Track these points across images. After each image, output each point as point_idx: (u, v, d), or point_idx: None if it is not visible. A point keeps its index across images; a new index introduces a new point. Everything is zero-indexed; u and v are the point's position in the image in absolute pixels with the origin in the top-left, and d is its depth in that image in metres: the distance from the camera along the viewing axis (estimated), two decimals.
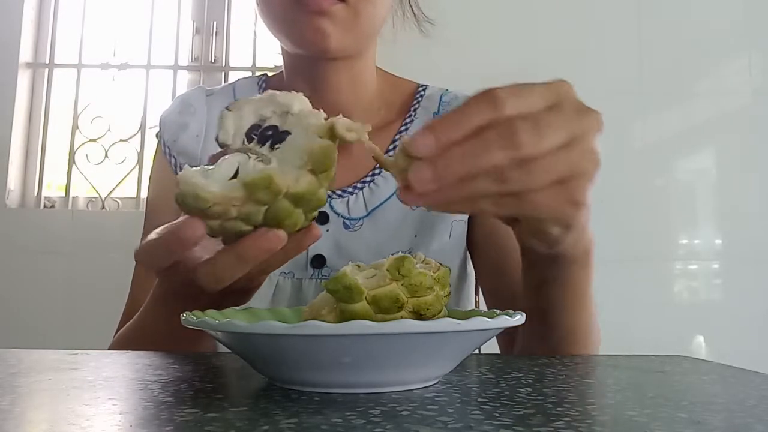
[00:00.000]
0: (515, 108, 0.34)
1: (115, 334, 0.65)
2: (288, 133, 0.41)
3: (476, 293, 0.81)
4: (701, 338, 1.58)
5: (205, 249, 0.43)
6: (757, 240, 1.60)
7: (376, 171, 0.72)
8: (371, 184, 0.71)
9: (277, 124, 0.41)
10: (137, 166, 1.74)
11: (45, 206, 1.72)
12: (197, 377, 0.39)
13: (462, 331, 0.32)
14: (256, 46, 1.77)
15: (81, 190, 1.74)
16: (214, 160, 0.43)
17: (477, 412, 0.29)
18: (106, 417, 0.28)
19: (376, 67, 0.77)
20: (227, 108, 0.42)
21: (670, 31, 1.66)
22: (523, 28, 1.65)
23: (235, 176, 0.39)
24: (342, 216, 0.70)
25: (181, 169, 0.73)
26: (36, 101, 1.75)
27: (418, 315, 0.37)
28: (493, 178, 0.34)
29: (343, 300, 0.36)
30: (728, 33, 1.67)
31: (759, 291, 1.58)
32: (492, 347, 0.61)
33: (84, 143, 1.75)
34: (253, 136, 0.41)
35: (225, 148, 0.42)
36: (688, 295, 1.62)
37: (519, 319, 0.37)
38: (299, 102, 0.42)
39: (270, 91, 0.42)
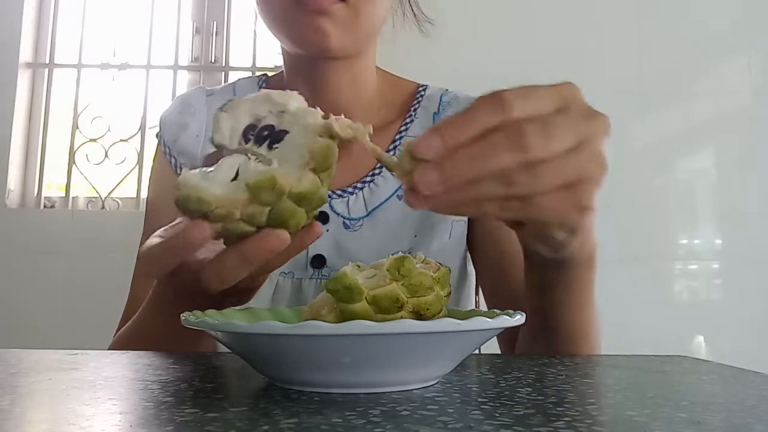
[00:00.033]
0: (522, 110, 0.33)
1: (115, 334, 0.65)
2: (285, 132, 0.40)
3: (476, 293, 0.81)
4: (701, 338, 1.58)
5: (206, 250, 0.43)
6: (757, 240, 1.60)
7: (376, 171, 0.72)
8: (371, 184, 0.71)
9: (274, 124, 0.41)
10: (137, 166, 1.74)
11: (45, 206, 1.72)
12: (197, 377, 0.39)
13: (462, 331, 0.32)
14: (256, 46, 1.77)
15: (81, 190, 1.74)
16: (209, 160, 0.43)
17: (477, 412, 0.29)
18: (106, 417, 0.28)
19: (376, 67, 0.77)
20: (221, 109, 0.42)
21: (670, 31, 1.66)
22: (523, 28, 1.65)
23: (235, 178, 0.39)
24: (342, 216, 0.70)
25: (181, 169, 0.73)
26: (36, 101, 1.75)
27: (418, 315, 0.37)
28: (500, 181, 0.33)
29: (343, 300, 0.36)
30: (728, 33, 1.67)
31: (759, 291, 1.58)
32: (492, 347, 0.61)
33: (84, 143, 1.75)
34: (250, 137, 0.41)
35: (220, 149, 0.42)
36: (688, 295, 1.62)
37: (519, 319, 0.37)
38: (295, 100, 0.42)
39: (264, 90, 0.42)
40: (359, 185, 0.71)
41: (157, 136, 0.78)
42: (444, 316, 0.37)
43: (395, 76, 0.80)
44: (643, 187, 1.60)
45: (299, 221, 0.40)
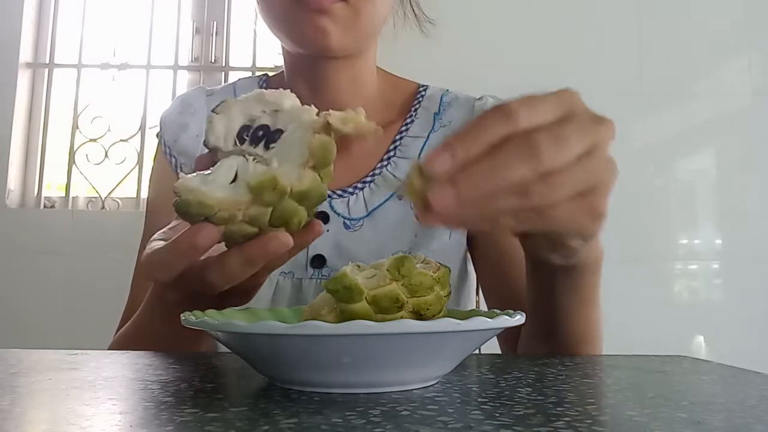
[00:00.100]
0: (528, 120, 0.33)
1: (115, 334, 0.65)
2: (281, 131, 0.40)
3: (476, 293, 0.81)
4: (701, 338, 1.58)
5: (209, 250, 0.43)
6: (757, 240, 1.60)
7: (377, 171, 0.72)
8: (371, 184, 0.71)
9: (268, 123, 0.41)
10: (137, 166, 1.74)
11: (45, 206, 1.72)
12: (197, 377, 0.39)
13: (462, 331, 0.32)
14: (256, 46, 1.77)
15: (81, 190, 1.74)
16: (202, 161, 0.43)
17: (477, 412, 0.29)
18: (106, 417, 0.28)
19: (377, 67, 0.77)
20: (214, 110, 0.42)
21: (670, 32, 1.66)
22: (524, 28, 1.65)
23: (234, 179, 0.39)
24: (342, 216, 0.70)
25: (181, 169, 0.73)
26: (36, 101, 1.75)
27: (418, 315, 0.37)
28: (516, 193, 0.33)
29: (343, 300, 0.36)
30: (728, 33, 1.67)
31: (759, 291, 1.58)
32: (492, 347, 0.61)
33: (84, 143, 1.75)
34: (245, 137, 0.41)
35: (215, 151, 0.42)
36: (688, 295, 1.62)
37: (519, 319, 0.37)
38: (289, 99, 0.42)
39: (257, 90, 0.42)
40: (359, 185, 0.71)
41: (157, 136, 0.78)
42: (444, 316, 0.37)
43: (396, 76, 0.80)
44: (643, 187, 1.60)
45: (301, 219, 0.40)
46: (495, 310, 0.41)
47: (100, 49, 1.79)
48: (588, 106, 0.36)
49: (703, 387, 0.39)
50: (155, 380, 0.37)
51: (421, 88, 0.79)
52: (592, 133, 0.35)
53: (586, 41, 1.64)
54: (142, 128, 1.75)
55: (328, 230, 0.69)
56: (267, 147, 0.40)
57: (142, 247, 0.72)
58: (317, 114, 0.40)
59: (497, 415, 0.28)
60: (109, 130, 1.75)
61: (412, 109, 0.77)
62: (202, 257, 0.42)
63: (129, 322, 0.59)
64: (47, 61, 1.76)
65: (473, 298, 0.79)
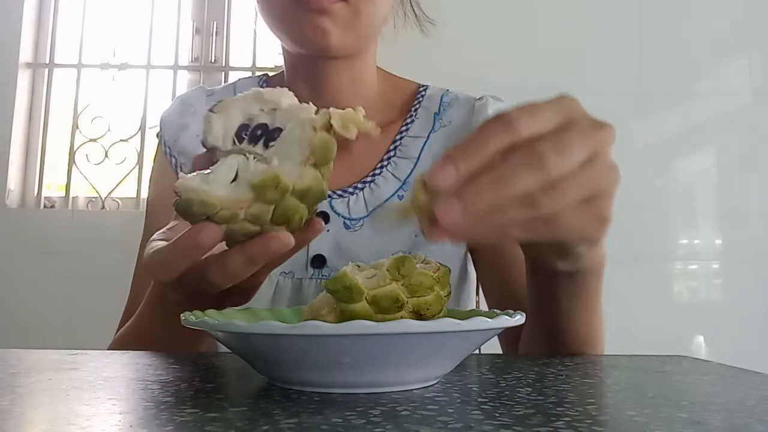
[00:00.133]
0: (529, 128, 0.33)
1: (116, 334, 0.65)
2: (280, 129, 0.40)
3: (476, 293, 0.81)
4: (701, 338, 1.58)
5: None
6: (757, 240, 1.60)
7: (377, 171, 0.72)
8: (372, 184, 0.71)
9: (267, 122, 0.41)
10: (137, 166, 1.74)
11: (45, 206, 1.72)
12: (197, 377, 0.39)
13: (462, 331, 0.32)
14: (256, 46, 1.77)
15: (81, 190, 1.74)
16: (200, 161, 0.43)
17: (477, 412, 0.29)
18: (106, 417, 0.28)
19: (377, 67, 0.77)
20: (211, 110, 0.42)
21: (670, 31, 1.66)
22: (524, 28, 1.65)
23: (235, 179, 0.39)
24: (342, 216, 0.70)
25: (182, 170, 0.73)
26: (36, 101, 1.75)
27: (418, 315, 0.37)
28: (523, 204, 0.33)
29: (343, 300, 0.36)
30: (728, 33, 1.67)
31: (759, 291, 1.58)
32: (492, 347, 0.61)
33: (84, 143, 1.75)
34: (243, 136, 0.41)
35: (213, 151, 0.42)
36: (688, 295, 1.62)
37: (519, 319, 0.37)
38: (287, 97, 0.42)
39: (254, 89, 0.42)
40: (360, 185, 0.71)
41: (157, 136, 0.78)
42: (444, 316, 0.37)
43: (396, 76, 0.80)
44: (643, 187, 1.60)
45: (302, 217, 0.40)
46: (495, 310, 0.41)
47: (100, 49, 1.79)
48: (587, 111, 0.36)
49: (703, 387, 0.39)
50: (155, 380, 0.37)
51: (422, 88, 0.79)
52: (593, 139, 0.35)
53: (586, 41, 1.64)
54: (142, 128, 1.75)
55: (328, 230, 0.69)
56: (266, 145, 0.40)
57: (142, 247, 0.72)
58: (316, 112, 0.40)
59: (497, 415, 0.28)
60: (109, 130, 1.75)
61: (413, 109, 0.77)
62: (203, 257, 0.42)
63: (129, 322, 0.59)
64: (47, 61, 1.76)
65: (473, 298, 0.79)
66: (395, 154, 0.73)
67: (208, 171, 0.39)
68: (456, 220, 0.32)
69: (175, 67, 1.77)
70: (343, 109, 0.41)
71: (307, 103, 0.41)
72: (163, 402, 0.31)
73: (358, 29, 0.65)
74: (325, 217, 0.70)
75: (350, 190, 0.71)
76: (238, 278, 0.41)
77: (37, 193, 1.72)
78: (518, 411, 0.29)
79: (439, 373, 0.36)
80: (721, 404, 0.32)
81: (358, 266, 0.39)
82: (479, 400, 0.32)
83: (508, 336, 0.69)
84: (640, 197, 1.59)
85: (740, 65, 1.66)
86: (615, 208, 0.37)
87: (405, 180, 0.72)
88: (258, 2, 0.68)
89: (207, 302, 0.44)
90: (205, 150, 0.42)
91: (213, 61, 1.77)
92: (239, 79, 0.83)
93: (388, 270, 0.37)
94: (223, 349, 0.52)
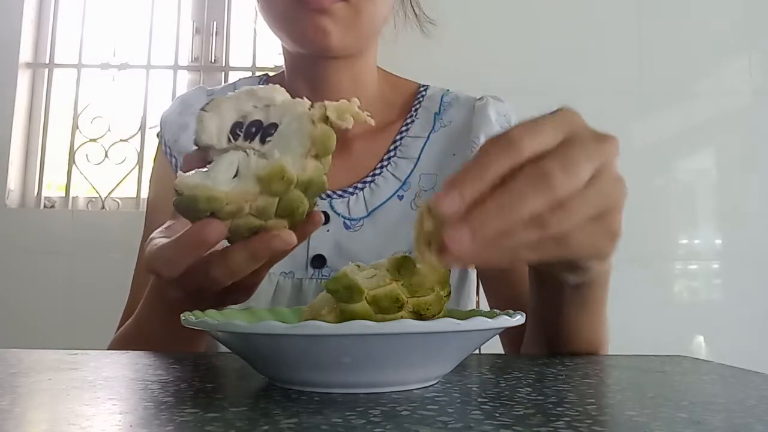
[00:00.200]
0: (532, 147, 0.32)
1: (116, 333, 0.65)
2: (275, 125, 0.41)
3: (476, 293, 0.81)
4: (701, 338, 1.58)
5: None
6: (757, 240, 1.60)
7: (377, 171, 0.72)
8: (372, 184, 0.71)
9: (261, 118, 0.41)
10: (137, 166, 1.74)
11: (45, 206, 1.72)
12: (197, 377, 0.39)
13: (462, 331, 0.32)
14: (256, 46, 1.77)
15: (81, 190, 1.74)
16: (191, 160, 0.43)
17: (477, 412, 0.29)
18: (106, 417, 0.28)
19: (377, 67, 0.77)
20: (203, 109, 0.42)
21: (670, 31, 1.66)
22: (524, 28, 1.65)
23: (235, 175, 0.39)
24: (342, 216, 0.70)
25: (182, 169, 0.73)
26: (36, 101, 1.75)
27: (418, 315, 0.37)
28: (533, 225, 0.32)
29: (343, 300, 0.36)
30: (728, 33, 1.67)
31: (759, 291, 1.58)
32: (492, 347, 0.61)
33: (84, 143, 1.75)
34: (238, 133, 0.41)
35: (206, 150, 0.42)
36: (688, 295, 1.62)
37: (519, 319, 0.37)
38: (280, 93, 0.42)
39: (246, 87, 0.43)
40: (360, 185, 0.71)
41: (157, 136, 0.78)
42: (444, 316, 0.37)
43: (396, 76, 0.80)
44: (643, 187, 1.60)
45: (305, 210, 0.41)
46: (495, 310, 0.41)
47: (100, 49, 1.79)
48: (588, 124, 0.35)
49: (703, 387, 0.39)
50: (155, 380, 0.37)
51: (422, 88, 0.79)
52: (598, 153, 0.34)
53: (586, 41, 1.64)
54: (142, 128, 1.75)
55: (328, 230, 0.69)
56: (263, 141, 0.40)
57: (143, 247, 0.72)
58: (310, 107, 0.41)
59: (497, 415, 0.28)
60: (109, 130, 1.75)
61: (413, 109, 0.77)
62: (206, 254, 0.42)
63: (129, 321, 0.59)
64: (47, 61, 1.76)
65: (473, 298, 0.79)
66: (395, 154, 0.73)
67: (206, 169, 0.39)
68: (465, 247, 0.31)
69: (175, 67, 1.77)
70: (338, 101, 0.41)
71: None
72: (163, 402, 0.31)
73: (359, 29, 0.65)
74: (326, 217, 0.70)
75: (350, 190, 0.71)
76: (240, 275, 0.41)
77: (37, 193, 1.72)
78: (518, 411, 0.29)
79: (439, 373, 0.36)
80: (721, 404, 0.32)
81: (358, 266, 0.39)
82: (479, 400, 0.32)
83: (511, 336, 0.69)
84: (640, 197, 1.58)
85: (740, 65, 1.66)
86: None
87: (405, 180, 0.72)
88: (258, 2, 0.68)
89: (208, 300, 0.44)
90: (196, 149, 0.42)
91: (213, 61, 1.77)
92: (239, 79, 0.83)
93: (388, 270, 0.37)
94: (223, 349, 0.52)
